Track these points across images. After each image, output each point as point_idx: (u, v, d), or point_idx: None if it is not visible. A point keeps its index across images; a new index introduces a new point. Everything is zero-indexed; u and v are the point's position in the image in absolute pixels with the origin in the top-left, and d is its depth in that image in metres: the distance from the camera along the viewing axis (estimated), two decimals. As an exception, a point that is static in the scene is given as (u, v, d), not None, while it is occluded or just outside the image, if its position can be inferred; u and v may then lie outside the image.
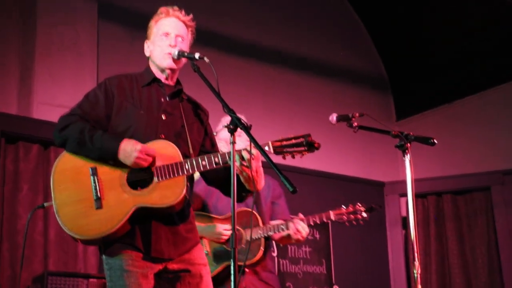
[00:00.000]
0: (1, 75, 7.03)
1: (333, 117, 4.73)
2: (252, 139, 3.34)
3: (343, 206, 5.23)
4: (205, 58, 3.66)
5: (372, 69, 10.36)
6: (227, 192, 4.01)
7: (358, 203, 5.31)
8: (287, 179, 3.17)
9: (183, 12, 4.01)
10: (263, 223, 5.09)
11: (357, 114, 4.62)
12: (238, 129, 3.40)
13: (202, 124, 3.98)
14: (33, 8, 7.16)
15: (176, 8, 4.01)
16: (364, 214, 5.26)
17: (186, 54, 3.78)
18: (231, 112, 3.41)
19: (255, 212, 5.11)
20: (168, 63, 3.85)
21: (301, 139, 3.66)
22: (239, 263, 4.93)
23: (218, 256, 5.03)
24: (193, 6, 8.25)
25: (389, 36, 10.12)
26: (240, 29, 8.95)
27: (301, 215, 5.15)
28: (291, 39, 9.45)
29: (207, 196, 5.23)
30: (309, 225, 5.11)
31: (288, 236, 5.08)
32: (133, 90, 3.83)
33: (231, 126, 3.36)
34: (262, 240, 5.07)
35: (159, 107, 3.81)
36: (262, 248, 5.06)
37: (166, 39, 3.87)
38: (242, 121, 3.35)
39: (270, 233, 5.05)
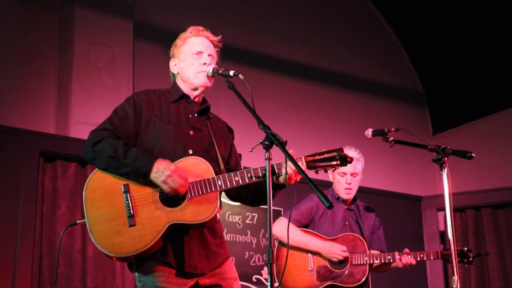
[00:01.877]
0: (39, 95, 7.11)
1: (369, 132, 4.70)
2: (288, 155, 3.33)
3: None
4: (240, 75, 3.63)
5: (408, 83, 10.28)
6: (252, 202, 3.98)
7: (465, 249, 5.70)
8: (323, 195, 3.16)
9: (209, 31, 4.04)
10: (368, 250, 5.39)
11: (393, 129, 4.59)
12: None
13: (228, 142, 3.98)
14: (70, 28, 7.23)
15: (203, 28, 4.02)
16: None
17: (221, 71, 3.76)
18: (266, 128, 3.39)
19: (357, 236, 5.45)
20: (203, 81, 3.85)
21: (334, 153, 3.65)
22: (342, 285, 5.27)
23: (322, 274, 5.32)
24: (227, 23, 8.37)
25: (425, 49, 10.04)
26: (275, 46, 8.97)
27: (407, 250, 5.44)
28: (327, 55, 9.43)
29: (316, 213, 5.51)
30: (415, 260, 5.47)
31: (388, 265, 5.45)
32: (162, 105, 3.84)
33: (266, 142, 3.34)
34: (367, 267, 5.33)
35: (187, 123, 3.81)
36: (366, 274, 5.33)
37: (199, 58, 3.87)
38: (277, 137, 3.33)
39: (376, 262, 5.35)
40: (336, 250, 5.31)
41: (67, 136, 6.84)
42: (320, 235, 5.41)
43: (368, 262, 5.31)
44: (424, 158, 9.21)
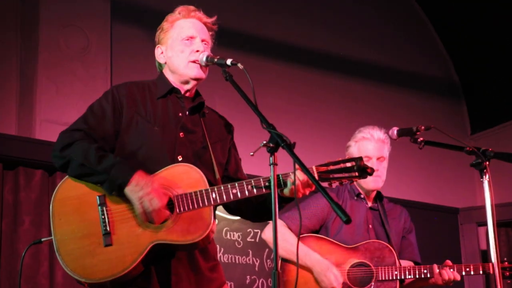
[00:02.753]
0: (-3, 89, 7.13)
1: (394, 132, 4.69)
2: (297, 160, 3.31)
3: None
4: (239, 65, 3.62)
5: (440, 72, 10.28)
6: (254, 219, 3.98)
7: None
8: (340, 208, 3.14)
9: (201, 12, 4.01)
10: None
11: (422, 127, 4.58)
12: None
13: (226, 144, 3.97)
14: (34, 8, 7.23)
15: (194, 7, 3.99)
16: None
17: (216, 60, 3.74)
18: (270, 127, 3.38)
19: (385, 243, 5.17)
20: (196, 72, 3.83)
21: (352, 163, 3.64)
22: None
23: None
24: (224, 3, 8.37)
25: (461, 32, 10.05)
26: (280, 29, 8.98)
27: (449, 262, 5.19)
28: (343, 41, 9.44)
29: (328, 216, 5.24)
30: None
31: (424, 280, 5.19)
32: (146, 101, 3.82)
33: (271, 144, 3.31)
34: (397, 284, 5.10)
35: (176, 123, 3.80)
36: None
37: (191, 44, 3.86)
38: (284, 138, 3.33)
39: (409, 277, 5.09)
40: (329, 276, 5.01)
41: (31, 137, 6.84)
42: (337, 242, 5.17)
43: (398, 278, 5.08)
44: (460, 162, 9.21)
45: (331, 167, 3.65)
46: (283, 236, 5.12)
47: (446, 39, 10.29)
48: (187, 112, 3.85)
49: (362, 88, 9.45)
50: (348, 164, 3.64)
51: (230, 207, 3.94)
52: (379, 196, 5.44)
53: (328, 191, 5.12)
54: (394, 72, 9.77)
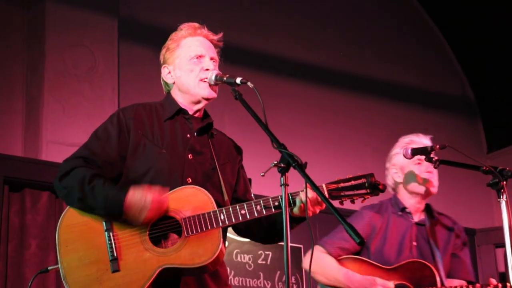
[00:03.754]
0: (2, 110, 7.13)
1: (408, 151, 4.68)
2: (309, 180, 3.30)
3: None
4: (249, 83, 3.60)
5: (456, 91, 10.27)
6: (262, 241, 3.97)
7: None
8: (352, 228, 3.13)
9: (206, 28, 3.99)
10: (442, 283, 4.86)
11: (437, 146, 4.58)
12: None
13: (235, 165, 3.96)
14: (40, 27, 7.26)
15: (199, 24, 3.98)
16: None
17: (225, 78, 3.73)
18: (281, 147, 3.37)
19: (425, 263, 4.87)
20: (208, 92, 3.82)
21: (362, 180, 3.63)
22: None
23: None
24: (232, 18, 8.39)
25: (477, 54, 10.05)
26: (291, 46, 8.99)
27: (493, 281, 4.82)
28: (356, 58, 9.45)
29: (369, 235, 5.06)
30: None
31: None
32: (153, 123, 3.82)
33: (282, 165, 3.30)
34: None
35: (185, 145, 3.79)
36: None
37: (199, 63, 3.85)
38: (295, 158, 3.32)
39: None
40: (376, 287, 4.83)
41: (37, 159, 6.85)
42: (375, 264, 4.98)
43: None
44: (477, 182, 9.15)
45: (342, 185, 3.64)
46: (322, 262, 5.00)
47: (461, 56, 10.29)
48: (195, 133, 3.84)
49: (376, 107, 9.44)
50: (359, 181, 3.63)
51: (240, 229, 3.92)
52: (427, 209, 5.15)
53: (369, 208, 5.09)
54: (409, 89, 9.76)
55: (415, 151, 4.67)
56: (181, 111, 3.87)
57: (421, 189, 5.01)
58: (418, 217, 5.12)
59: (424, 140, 5.07)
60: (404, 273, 4.94)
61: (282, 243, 3.27)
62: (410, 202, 5.10)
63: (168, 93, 3.97)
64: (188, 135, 3.83)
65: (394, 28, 9.93)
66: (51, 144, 6.94)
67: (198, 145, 3.82)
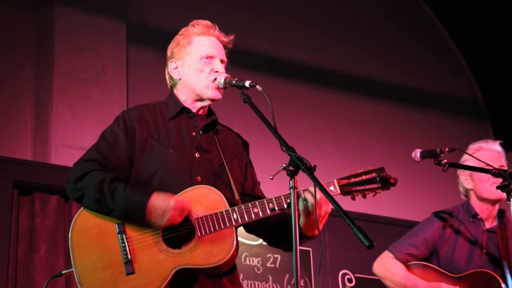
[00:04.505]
0: (12, 113, 7.15)
1: (417, 154, 4.68)
2: (318, 184, 3.31)
3: None
4: (258, 86, 3.62)
5: (465, 94, 10.24)
6: (273, 242, 3.97)
7: None
8: (361, 231, 3.13)
9: (217, 29, 4.00)
10: None
11: (446, 149, 4.57)
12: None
13: (242, 160, 3.97)
14: (49, 31, 7.30)
15: (212, 24, 3.99)
16: None
17: (234, 82, 3.75)
18: (290, 150, 3.38)
19: (491, 273, 4.87)
20: (214, 94, 3.85)
21: (373, 174, 3.66)
22: None
23: None
24: (241, 19, 8.40)
25: (486, 55, 10.02)
26: (299, 49, 8.99)
27: None
28: (364, 61, 9.44)
29: (439, 241, 5.07)
30: None
31: None
32: (158, 123, 3.83)
33: (291, 168, 3.32)
34: None
35: (191, 143, 3.80)
36: None
37: (210, 64, 3.86)
38: (304, 161, 3.33)
39: None
40: None
41: (46, 162, 6.87)
42: (444, 271, 4.97)
43: None
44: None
45: (353, 180, 3.67)
46: (388, 269, 5.06)
47: (469, 57, 10.26)
48: (201, 131, 3.85)
49: (384, 109, 9.43)
50: (370, 176, 3.66)
51: (248, 225, 3.91)
52: (500, 214, 5.13)
53: (440, 213, 5.13)
54: (417, 92, 9.75)
55: (425, 154, 4.67)
56: (185, 110, 3.88)
57: (491, 194, 5.01)
58: (490, 223, 5.10)
59: (493, 146, 5.10)
60: (471, 283, 4.92)
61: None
62: (482, 208, 5.09)
63: (171, 91, 3.98)
64: (194, 133, 3.84)
65: (401, 30, 9.92)
66: (60, 147, 6.95)
67: (204, 142, 3.84)
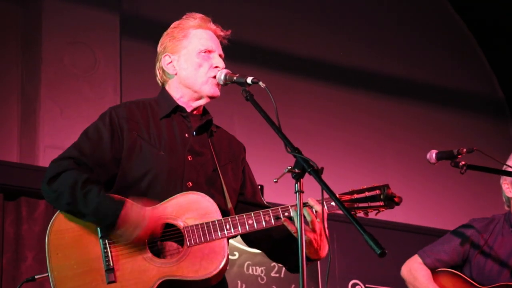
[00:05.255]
0: (-4, 113, 7.18)
1: (433, 155, 4.68)
2: (325, 187, 3.29)
3: None
4: (261, 83, 3.59)
5: (484, 90, 10.25)
6: (274, 257, 3.95)
7: None
8: (373, 239, 3.12)
9: (212, 22, 3.96)
10: None
11: (464, 150, 4.57)
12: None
13: (238, 165, 3.94)
14: (37, 23, 7.30)
15: (209, 18, 3.96)
16: None
17: (235, 78, 3.72)
18: (295, 151, 3.36)
19: None
20: (214, 91, 3.82)
21: (377, 191, 3.66)
22: None
23: None
24: (244, 16, 8.40)
25: (506, 50, 10.03)
26: (305, 43, 9.00)
27: None
28: (375, 56, 9.44)
29: (471, 249, 5.08)
30: None
31: None
32: (149, 122, 3.79)
33: (296, 170, 3.29)
34: None
35: (183, 145, 3.77)
36: None
37: (208, 59, 3.84)
38: (311, 163, 3.32)
39: None
40: None
41: (34, 165, 6.88)
42: (472, 282, 4.98)
43: None
44: (507, 188, 9.14)
45: (356, 196, 3.67)
46: (414, 274, 5.10)
47: (489, 52, 10.26)
48: (194, 132, 3.82)
49: (397, 107, 9.42)
50: (374, 193, 3.65)
51: (250, 240, 3.89)
52: None
53: (478, 221, 5.16)
54: (432, 89, 9.74)
55: (441, 156, 4.66)
56: (178, 109, 3.85)
57: None
58: None
59: None
60: None
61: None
62: None
63: (163, 87, 3.94)
64: (187, 135, 3.81)
65: (418, 26, 9.92)
66: (48, 149, 6.96)
67: (197, 145, 3.80)
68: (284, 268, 7.72)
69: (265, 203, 3.90)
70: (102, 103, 7.27)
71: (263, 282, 7.69)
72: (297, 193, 3.29)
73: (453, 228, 9.09)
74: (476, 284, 4.96)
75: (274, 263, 7.72)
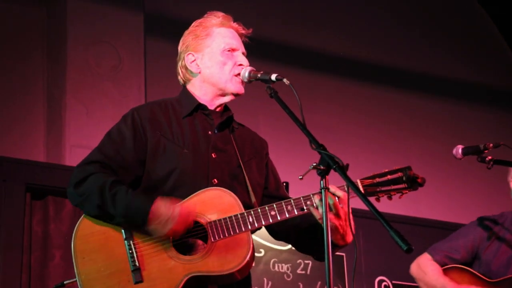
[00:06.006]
0: (23, 112, 7.19)
1: (459, 150, 4.66)
2: (351, 184, 3.28)
3: None
4: (285, 80, 3.57)
5: (509, 84, 10.19)
6: (302, 248, 3.95)
7: None
8: (399, 235, 3.10)
9: (233, 21, 3.97)
10: None
11: (491, 145, 4.54)
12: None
13: (262, 159, 3.94)
14: (61, 24, 7.33)
15: (230, 16, 3.96)
16: None
17: (259, 75, 3.71)
18: (320, 148, 3.35)
19: None
20: (238, 88, 3.82)
21: (399, 174, 3.64)
22: None
23: None
24: (269, 13, 8.39)
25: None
26: (331, 39, 8.98)
27: None
28: (402, 51, 9.41)
29: (480, 246, 5.09)
30: None
31: None
32: (171, 122, 3.78)
33: (321, 167, 3.28)
34: None
35: (207, 143, 3.76)
36: None
37: (232, 57, 3.84)
38: (336, 160, 3.31)
39: None
40: None
41: (60, 164, 6.91)
42: (481, 276, 4.99)
43: None
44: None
45: (377, 180, 3.65)
46: (423, 269, 5.13)
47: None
48: (216, 130, 3.82)
49: (423, 103, 9.39)
50: (396, 175, 3.64)
51: (276, 231, 3.89)
52: None
53: (486, 218, 5.14)
54: (459, 84, 9.69)
55: (467, 151, 4.64)
56: (200, 107, 3.84)
57: None
58: None
59: None
60: None
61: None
62: None
63: (184, 86, 3.94)
64: (210, 132, 3.80)
65: (442, 19, 9.87)
66: (74, 148, 6.98)
67: (220, 142, 3.80)
68: (310, 265, 7.72)
69: (288, 196, 3.88)
70: (127, 102, 7.29)
71: (289, 279, 7.68)
72: (323, 190, 3.29)
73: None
74: (486, 278, 4.97)
75: (300, 260, 7.71)
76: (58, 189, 6.68)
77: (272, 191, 3.90)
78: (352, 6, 9.26)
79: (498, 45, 10.24)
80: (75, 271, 3.54)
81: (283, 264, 7.66)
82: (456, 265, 5.10)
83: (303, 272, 7.75)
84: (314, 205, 3.58)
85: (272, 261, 7.60)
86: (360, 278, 7.81)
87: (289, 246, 7.42)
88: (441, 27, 9.83)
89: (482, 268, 5.02)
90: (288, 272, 7.68)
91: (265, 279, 7.46)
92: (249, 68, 3.81)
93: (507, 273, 4.94)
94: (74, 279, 3.58)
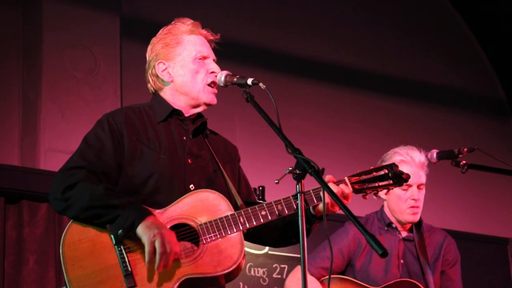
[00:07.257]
0: (-3, 116, 7.17)
1: (433, 154, 4.68)
2: (326, 187, 3.31)
3: None
4: (261, 84, 3.62)
5: (485, 90, 10.24)
6: (277, 242, 3.98)
7: None
8: (374, 239, 3.12)
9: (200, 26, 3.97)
10: None
11: (465, 150, 4.57)
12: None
13: (235, 165, 3.97)
14: (37, 26, 7.30)
15: (196, 22, 3.95)
16: None
17: (235, 80, 3.73)
18: (296, 152, 3.37)
19: (415, 283, 4.88)
20: (211, 98, 3.85)
21: (384, 171, 3.69)
22: None
23: None
24: (242, 16, 8.39)
25: (507, 50, 10.02)
26: (305, 43, 8.99)
27: None
28: (377, 55, 9.44)
29: (355, 252, 5.05)
30: None
31: None
32: (146, 127, 3.79)
33: (297, 171, 3.31)
34: None
35: (182, 148, 3.78)
36: None
37: (203, 65, 3.85)
38: (312, 164, 3.31)
39: None
40: None
41: (35, 168, 6.87)
42: (362, 284, 4.95)
43: None
44: (509, 187, 9.14)
45: (364, 177, 3.71)
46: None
47: (490, 52, 10.26)
48: (191, 135, 3.83)
49: (398, 107, 9.43)
50: (382, 172, 3.70)
51: (253, 234, 3.87)
52: (417, 223, 5.09)
53: (347, 226, 5.06)
54: (433, 89, 9.74)
55: (441, 155, 4.66)
56: (175, 112, 3.84)
57: (404, 217, 5.01)
58: (406, 232, 5.10)
59: (417, 158, 5.02)
60: None
61: (298, 255, 3.26)
62: (397, 220, 5.08)
63: (155, 94, 3.92)
64: (185, 138, 3.81)
65: (418, 24, 9.91)
66: (49, 152, 6.95)
67: (195, 147, 3.82)
68: (285, 269, 7.73)
69: (259, 202, 3.89)
70: (103, 105, 7.27)
71: (265, 284, 7.68)
72: (299, 194, 3.32)
73: (459, 229, 9.13)
74: (368, 286, 4.93)
75: (276, 264, 7.72)
76: (33, 193, 6.66)
77: (244, 197, 3.91)
78: (330, 10, 9.29)
79: (475, 52, 10.29)
80: (65, 278, 3.53)
81: (259, 268, 7.66)
82: (335, 276, 5.01)
83: (279, 276, 7.75)
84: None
85: (248, 265, 7.59)
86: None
87: (265, 250, 7.45)
88: (419, 33, 9.87)
89: (358, 276, 4.98)
90: (264, 276, 7.68)
91: (241, 283, 7.46)
92: (225, 72, 3.82)
93: (386, 279, 4.93)
94: None
